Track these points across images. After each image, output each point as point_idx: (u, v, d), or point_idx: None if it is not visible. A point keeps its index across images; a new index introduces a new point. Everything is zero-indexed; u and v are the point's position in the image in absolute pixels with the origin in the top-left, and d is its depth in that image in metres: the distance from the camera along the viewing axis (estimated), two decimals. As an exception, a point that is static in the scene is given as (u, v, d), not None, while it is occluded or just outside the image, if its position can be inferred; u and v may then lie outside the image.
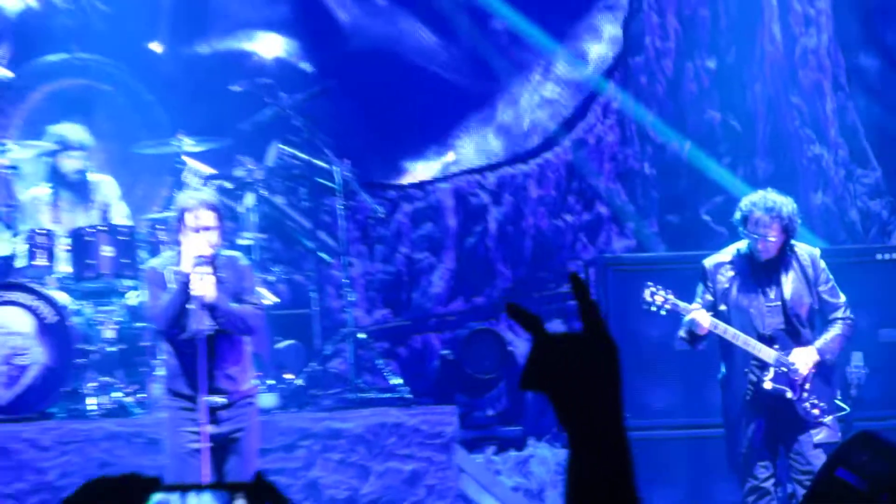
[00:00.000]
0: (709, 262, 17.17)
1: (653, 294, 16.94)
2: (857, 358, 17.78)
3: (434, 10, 25.75)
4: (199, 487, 5.13)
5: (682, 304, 16.78)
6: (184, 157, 20.23)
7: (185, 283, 15.87)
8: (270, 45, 25.49)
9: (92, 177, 20.13)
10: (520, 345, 23.34)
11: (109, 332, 18.67)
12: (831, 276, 17.02)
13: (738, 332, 16.69)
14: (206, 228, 15.98)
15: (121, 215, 20.07)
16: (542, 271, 24.73)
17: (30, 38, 24.59)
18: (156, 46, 24.76)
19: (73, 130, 20.13)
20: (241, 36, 25.17)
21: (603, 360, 4.71)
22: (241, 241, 19.13)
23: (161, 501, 4.97)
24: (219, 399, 14.63)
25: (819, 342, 16.66)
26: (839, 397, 17.07)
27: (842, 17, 26.95)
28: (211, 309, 15.84)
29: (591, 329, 4.74)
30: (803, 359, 16.47)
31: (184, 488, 5.07)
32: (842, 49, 26.95)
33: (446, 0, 25.56)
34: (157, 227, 18.91)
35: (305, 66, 24.37)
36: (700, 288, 17.03)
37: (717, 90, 25.81)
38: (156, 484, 4.99)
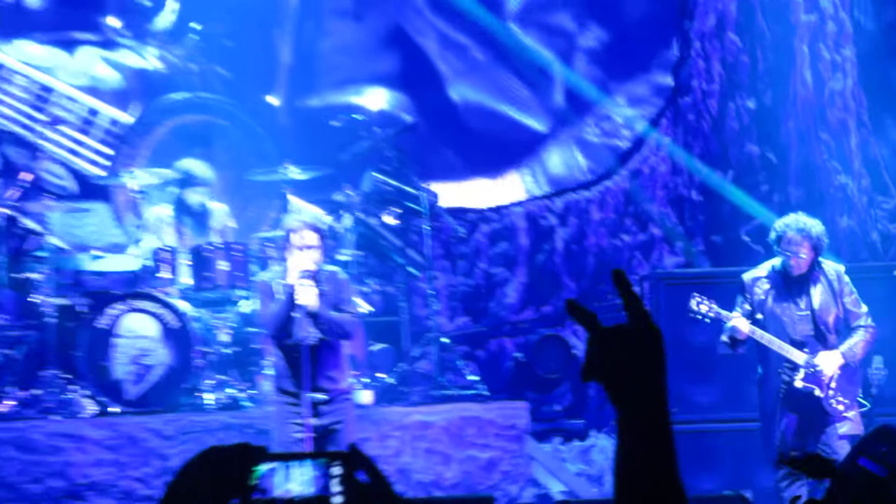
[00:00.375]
0: (747, 277, 17.66)
1: (698, 304, 17.43)
2: (877, 361, 17.88)
3: (517, 66, 26.13)
4: (301, 456, 5.27)
5: (724, 313, 17.22)
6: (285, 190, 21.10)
7: (290, 295, 16.44)
8: (376, 98, 25.65)
9: (210, 205, 20.71)
10: (582, 348, 23.57)
11: (224, 336, 19.27)
12: (854, 290, 17.46)
13: (773, 337, 17.08)
14: (309, 247, 16.57)
15: (232, 235, 20.72)
16: (602, 284, 25.24)
17: (156, 96, 25.29)
18: (273, 99, 25.54)
19: (198, 167, 20.85)
20: (349, 89, 25.57)
21: (650, 347, 4.97)
22: (340, 257, 19.53)
23: (268, 469, 5.11)
24: (320, 396, 15.19)
25: (843, 346, 17.11)
26: (861, 395, 17.42)
27: (865, 63, 27.32)
28: (314, 317, 16.42)
29: (636, 319, 5.01)
30: (830, 361, 16.87)
31: (288, 457, 5.23)
32: (864, 91, 27.21)
33: (529, 60, 26.00)
34: (266, 244, 19.46)
35: (406, 118, 24.42)
36: (739, 299, 17.43)
37: (756, 126, 26.28)
38: (263, 453, 5.12)
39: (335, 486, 5.14)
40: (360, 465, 5.22)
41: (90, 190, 23.32)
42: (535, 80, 26.67)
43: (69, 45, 25.33)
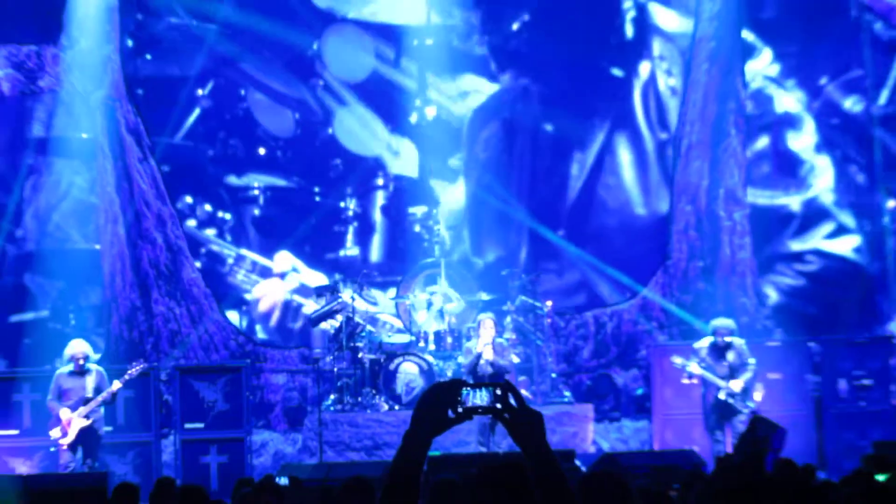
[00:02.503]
0: (697, 345, 20.53)
1: (682, 362, 20.34)
2: (759, 387, 20.59)
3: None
4: (479, 385, 5.36)
5: (686, 362, 20.18)
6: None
7: (479, 354, 19.90)
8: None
9: (446, 306, 22.95)
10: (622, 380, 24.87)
11: (449, 373, 21.64)
12: (746, 349, 20.19)
13: (710, 374, 19.97)
14: (487, 329, 20.12)
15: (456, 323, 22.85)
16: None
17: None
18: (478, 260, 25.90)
19: (442, 289, 23.38)
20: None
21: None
22: (505, 335, 21.53)
23: (466, 392, 5.27)
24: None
25: (741, 378, 20.00)
26: (749, 401, 19.95)
27: None
28: (490, 364, 19.89)
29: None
30: (735, 385, 19.83)
31: (474, 385, 5.32)
32: None
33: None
34: (471, 326, 21.41)
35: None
36: (694, 356, 20.22)
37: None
38: (463, 383, 5.29)
39: (498, 402, 5.32)
40: (512, 390, 5.42)
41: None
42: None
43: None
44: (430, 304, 23.11)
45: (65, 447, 19.39)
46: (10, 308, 23.81)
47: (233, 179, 26.20)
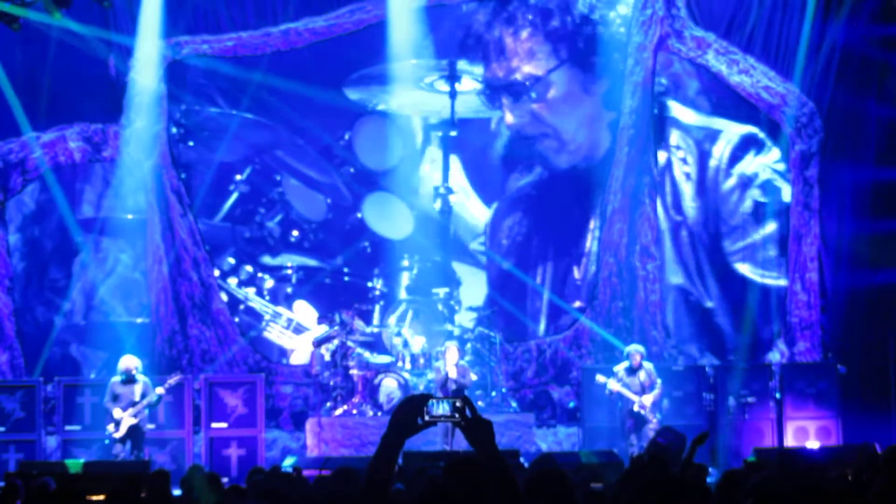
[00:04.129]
0: (616, 368, 20.40)
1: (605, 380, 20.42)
2: (664, 402, 20.91)
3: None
4: (443, 398, 5.34)
5: (606, 381, 20.18)
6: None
7: (446, 373, 20.03)
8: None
9: (413, 339, 22.69)
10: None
11: (421, 387, 21.45)
12: (654, 371, 20.26)
13: (626, 390, 19.95)
14: (452, 354, 20.31)
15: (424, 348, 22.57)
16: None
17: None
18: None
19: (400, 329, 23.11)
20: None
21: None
22: (466, 358, 21.43)
23: (431, 403, 5.31)
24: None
25: (651, 394, 20.02)
26: (658, 413, 20.06)
27: None
28: (454, 381, 20.08)
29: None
30: (647, 400, 19.82)
31: (438, 399, 5.33)
32: None
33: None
34: (439, 350, 21.19)
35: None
36: (612, 377, 20.21)
37: None
38: (430, 396, 5.33)
39: (457, 412, 5.34)
40: (468, 403, 5.41)
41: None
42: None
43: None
44: (401, 335, 23.08)
45: (116, 440, 19.66)
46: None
47: (267, 259, 25.73)
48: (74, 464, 17.76)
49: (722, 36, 24.20)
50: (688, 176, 24.91)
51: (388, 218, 25.73)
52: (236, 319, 24.79)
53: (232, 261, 25.42)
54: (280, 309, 25.22)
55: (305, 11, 24.33)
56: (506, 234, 25.67)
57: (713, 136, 24.89)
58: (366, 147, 25.60)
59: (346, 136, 25.70)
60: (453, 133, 25.58)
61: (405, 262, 25.17)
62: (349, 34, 24.56)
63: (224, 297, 24.76)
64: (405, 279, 25.23)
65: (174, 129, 24.78)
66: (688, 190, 24.99)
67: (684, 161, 24.91)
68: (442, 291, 24.01)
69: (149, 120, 24.05)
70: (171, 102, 24.53)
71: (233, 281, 25.41)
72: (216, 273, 24.60)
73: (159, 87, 24.17)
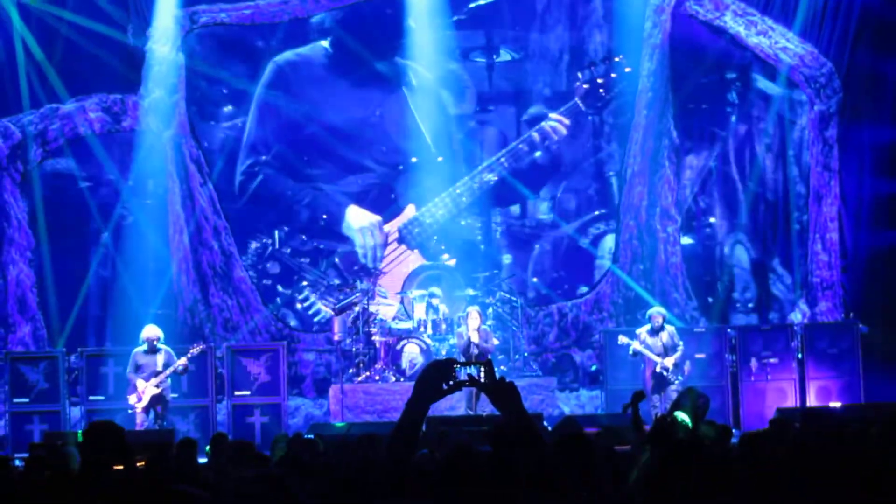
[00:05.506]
0: (639, 331, 20.32)
1: (626, 341, 20.57)
2: (686, 364, 20.34)
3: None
4: (467, 363, 5.41)
5: (630, 342, 20.13)
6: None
7: (469, 338, 19.95)
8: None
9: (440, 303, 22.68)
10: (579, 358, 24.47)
11: (443, 352, 21.55)
12: (676, 333, 20.12)
13: (648, 351, 19.91)
14: (474, 319, 20.21)
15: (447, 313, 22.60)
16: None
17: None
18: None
19: (437, 291, 23.07)
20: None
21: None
22: (488, 322, 21.39)
23: (457, 369, 5.37)
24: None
25: (674, 356, 19.96)
26: (680, 375, 19.94)
27: None
28: (477, 346, 19.92)
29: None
30: (669, 361, 19.79)
31: (463, 363, 5.40)
32: None
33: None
34: (461, 315, 21.23)
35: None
36: (635, 339, 20.08)
37: None
38: (455, 361, 5.40)
39: (483, 377, 5.41)
40: (491, 368, 5.45)
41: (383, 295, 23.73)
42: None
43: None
44: (427, 300, 22.90)
45: (140, 410, 19.64)
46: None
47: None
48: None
49: (740, -3, 24.03)
50: (769, 147, 24.86)
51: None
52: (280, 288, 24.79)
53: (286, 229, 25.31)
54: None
55: (324, -22, 24.15)
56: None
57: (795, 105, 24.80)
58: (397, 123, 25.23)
59: (378, 113, 25.43)
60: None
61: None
62: (367, 1, 24.64)
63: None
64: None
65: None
66: (769, 163, 24.93)
67: (766, 132, 24.86)
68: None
69: (167, 90, 24.02)
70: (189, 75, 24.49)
71: (287, 250, 25.40)
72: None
73: (177, 57, 24.16)
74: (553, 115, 24.90)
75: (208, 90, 24.85)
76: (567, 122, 24.68)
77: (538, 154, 24.85)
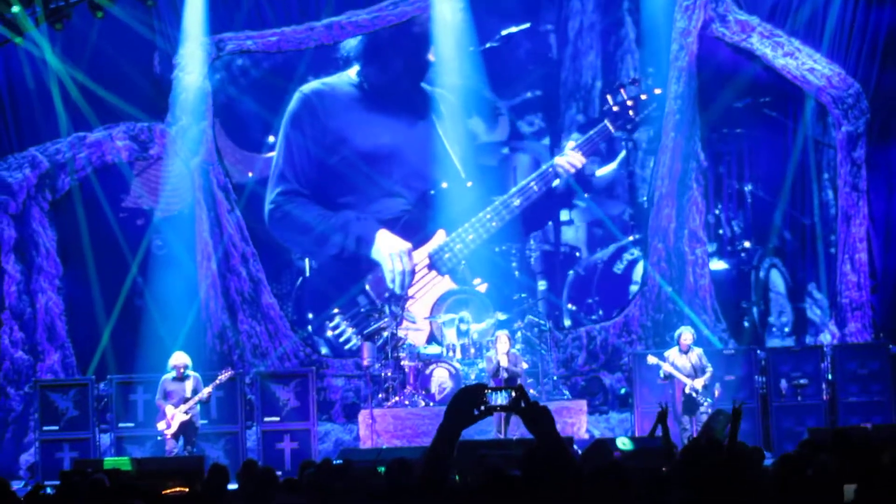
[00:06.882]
0: (667, 353, 20.32)
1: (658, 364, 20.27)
2: (716, 387, 20.41)
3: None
4: (499, 388, 5.37)
5: (661, 364, 20.11)
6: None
7: (498, 362, 19.93)
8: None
9: (472, 327, 22.87)
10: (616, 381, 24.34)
11: (472, 376, 21.78)
12: (704, 356, 20.18)
13: (678, 372, 19.98)
14: (503, 343, 20.16)
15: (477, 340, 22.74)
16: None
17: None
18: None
19: (466, 315, 23.26)
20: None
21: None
22: (517, 346, 21.32)
23: (488, 394, 5.35)
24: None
25: (703, 378, 19.99)
26: (709, 397, 19.93)
27: None
28: (506, 370, 19.93)
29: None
30: (698, 383, 19.82)
31: (495, 389, 5.36)
32: None
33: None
34: (489, 340, 21.31)
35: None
36: (664, 363, 20.16)
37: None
38: (486, 386, 5.35)
39: (514, 401, 5.37)
40: (523, 393, 5.40)
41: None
42: None
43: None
44: (458, 327, 23.04)
45: (169, 436, 19.75)
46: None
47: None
48: (121, 461, 17.57)
49: (766, 19, 24.26)
50: (803, 171, 24.89)
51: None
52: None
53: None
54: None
55: (349, 5, 24.52)
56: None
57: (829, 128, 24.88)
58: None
59: (405, 139, 25.41)
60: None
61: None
62: (392, 27, 24.71)
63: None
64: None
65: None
66: (804, 186, 24.91)
67: (799, 156, 24.82)
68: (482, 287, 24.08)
69: (195, 117, 24.10)
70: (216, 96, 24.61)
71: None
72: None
73: (204, 84, 24.25)
74: (567, 150, 24.89)
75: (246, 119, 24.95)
76: (580, 157, 24.69)
77: (556, 183, 24.89)
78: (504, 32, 25.13)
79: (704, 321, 24.27)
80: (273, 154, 25.02)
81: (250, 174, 24.84)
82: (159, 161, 24.21)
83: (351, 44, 25.05)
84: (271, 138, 25.03)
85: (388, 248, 24.84)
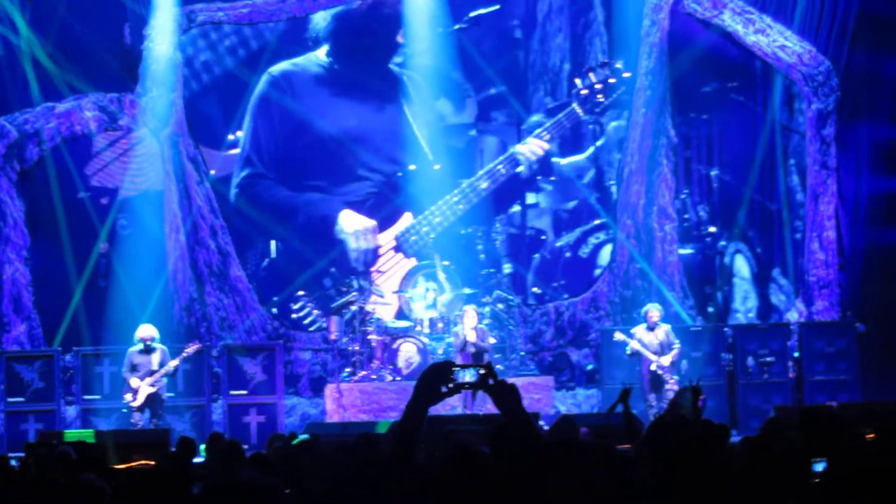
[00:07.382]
0: (634, 329, 20.49)
1: (621, 338, 20.51)
2: (683, 363, 20.94)
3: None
4: (466, 366, 5.40)
5: (627, 340, 20.32)
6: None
7: (465, 337, 20.13)
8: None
9: (439, 299, 23.03)
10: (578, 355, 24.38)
11: (440, 351, 21.66)
12: (672, 332, 20.39)
13: (645, 349, 20.14)
14: (471, 318, 20.44)
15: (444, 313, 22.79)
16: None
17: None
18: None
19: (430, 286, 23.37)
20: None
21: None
22: (485, 321, 21.41)
23: (456, 371, 5.35)
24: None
25: (669, 355, 20.20)
26: (675, 374, 20.14)
27: None
28: (473, 345, 20.21)
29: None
30: (664, 360, 19.99)
31: (462, 366, 5.36)
32: None
33: None
34: (457, 314, 21.37)
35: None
36: (631, 338, 20.30)
37: None
38: (454, 363, 5.37)
39: (482, 378, 5.38)
40: (491, 370, 5.43)
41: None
42: None
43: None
44: (426, 294, 23.19)
45: (135, 409, 19.79)
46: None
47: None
48: (85, 433, 17.76)
49: (737, -5, 24.04)
50: (770, 156, 24.92)
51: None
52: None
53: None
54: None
55: (322, -23, 24.20)
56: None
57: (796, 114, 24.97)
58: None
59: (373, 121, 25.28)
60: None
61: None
62: (364, 4, 24.81)
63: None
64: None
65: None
66: (770, 171, 24.96)
67: (766, 141, 24.88)
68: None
69: (165, 88, 23.94)
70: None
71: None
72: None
73: (175, 55, 24.11)
74: (530, 138, 24.75)
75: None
76: (545, 145, 24.57)
77: (520, 170, 24.78)
78: (472, 14, 25.03)
79: (673, 297, 24.30)
80: (235, 151, 24.91)
81: (212, 171, 24.64)
82: (129, 133, 24.10)
83: (321, 24, 24.85)
84: (231, 136, 24.88)
85: (351, 226, 24.71)
